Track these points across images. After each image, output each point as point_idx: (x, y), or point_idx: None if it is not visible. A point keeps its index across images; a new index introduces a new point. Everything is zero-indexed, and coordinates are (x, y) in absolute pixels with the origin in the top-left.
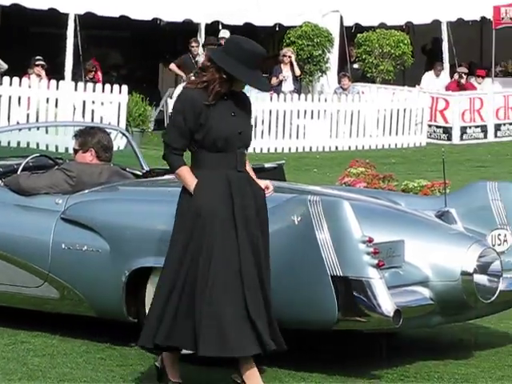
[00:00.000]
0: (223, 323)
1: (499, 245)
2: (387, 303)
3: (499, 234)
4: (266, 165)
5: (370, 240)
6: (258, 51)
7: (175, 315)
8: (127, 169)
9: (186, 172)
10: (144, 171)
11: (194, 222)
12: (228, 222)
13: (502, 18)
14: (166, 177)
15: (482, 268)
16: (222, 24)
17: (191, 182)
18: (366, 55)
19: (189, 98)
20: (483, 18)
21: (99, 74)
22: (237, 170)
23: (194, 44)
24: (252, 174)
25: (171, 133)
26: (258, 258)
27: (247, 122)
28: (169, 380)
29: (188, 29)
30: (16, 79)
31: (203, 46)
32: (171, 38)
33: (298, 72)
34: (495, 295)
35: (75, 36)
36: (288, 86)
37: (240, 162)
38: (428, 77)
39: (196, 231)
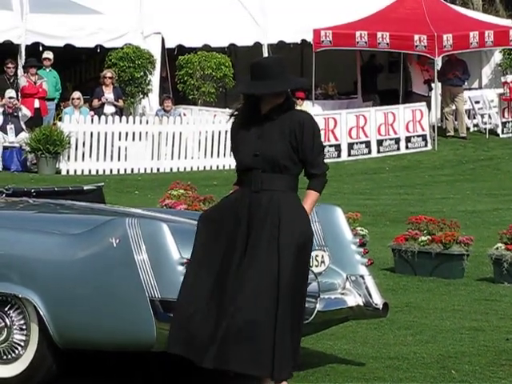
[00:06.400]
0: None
1: (317, 266)
2: None
3: (317, 255)
4: (85, 187)
5: (188, 262)
6: (260, 61)
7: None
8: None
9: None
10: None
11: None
12: (228, 236)
13: (322, 41)
14: None
15: None
16: (43, 46)
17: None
18: (188, 77)
19: (231, 126)
20: (304, 41)
21: None
22: (251, 189)
23: (9, 65)
24: (308, 200)
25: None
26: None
27: (274, 143)
28: None
29: (8, 50)
30: None
31: (23, 67)
32: None
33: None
34: (313, 316)
35: None
36: (110, 107)
37: (256, 182)
38: None
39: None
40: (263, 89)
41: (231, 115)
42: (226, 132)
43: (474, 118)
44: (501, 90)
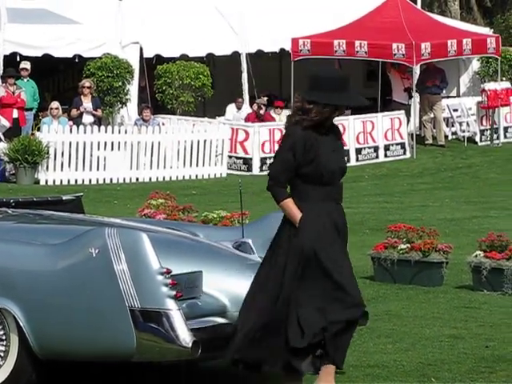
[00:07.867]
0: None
1: None
2: (185, 334)
3: None
4: (64, 197)
5: (168, 271)
6: (340, 75)
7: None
8: None
9: (291, 204)
10: None
11: (294, 255)
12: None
13: (300, 50)
14: None
15: None
16: (21, 55)
17: (296, 214)
18: (167, 87)
19: (299, 135)
20: (282, 50)
21: None
22: (336, 202)
23: None
24: None
25: (278, 167)
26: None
27: (344, 156)
28: None
29: None
30: None
31: (1, 77)
32: None
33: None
34: None
35: None
36: (88, 117)
37: (341, 194)
38: (230, 109)
39: (292, 263)
40: (358, 101)
41: (305, 126)
42: (205, 141)
43: (453, 126)
44: (479, 98)
